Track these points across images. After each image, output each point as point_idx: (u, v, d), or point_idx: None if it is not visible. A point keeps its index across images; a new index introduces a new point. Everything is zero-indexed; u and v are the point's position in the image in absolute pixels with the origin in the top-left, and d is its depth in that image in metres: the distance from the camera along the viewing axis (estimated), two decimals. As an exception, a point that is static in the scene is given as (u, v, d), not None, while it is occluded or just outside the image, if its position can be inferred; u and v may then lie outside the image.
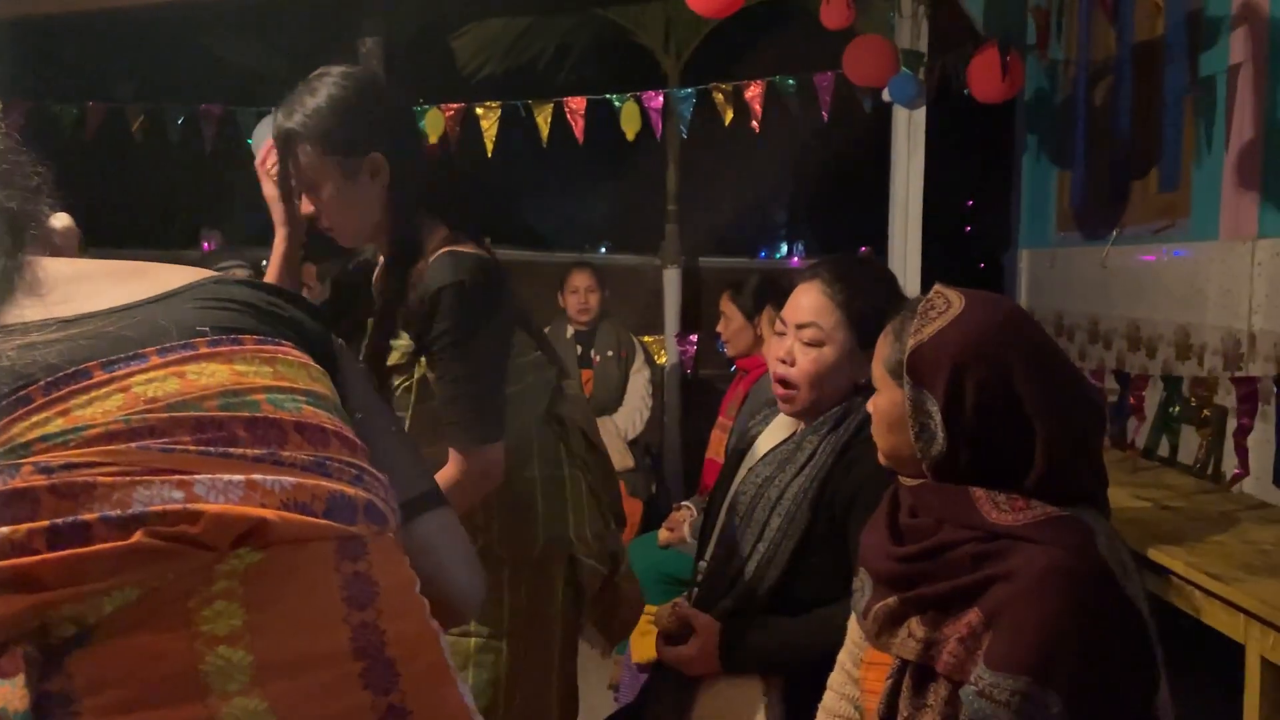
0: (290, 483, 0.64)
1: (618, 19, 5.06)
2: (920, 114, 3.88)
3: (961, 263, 5.96)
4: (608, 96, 4.19)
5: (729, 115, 4.10)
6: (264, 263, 1.79)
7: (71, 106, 4.38)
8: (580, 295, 4.20)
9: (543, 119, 4.17)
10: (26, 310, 0.67)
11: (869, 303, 1.61)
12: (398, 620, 0.65)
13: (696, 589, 1.74)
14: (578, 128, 4.16)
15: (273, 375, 0.70)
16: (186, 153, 4.66)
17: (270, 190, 1.69)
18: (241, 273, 2.26)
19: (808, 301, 1.65)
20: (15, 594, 0.55)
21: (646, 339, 4.60)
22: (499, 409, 1.59)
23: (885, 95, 3.59)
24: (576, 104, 4.15)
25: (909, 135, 3.95)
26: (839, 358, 1.62)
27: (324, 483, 0.66)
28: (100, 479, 0.59)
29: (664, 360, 4.80)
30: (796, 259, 5.52)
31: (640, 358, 4.28)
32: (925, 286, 1.33)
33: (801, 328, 1.65)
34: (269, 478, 0.63)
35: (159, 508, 0.58)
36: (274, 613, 0.61)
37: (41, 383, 0.62)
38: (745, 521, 1.63)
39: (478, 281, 1.56)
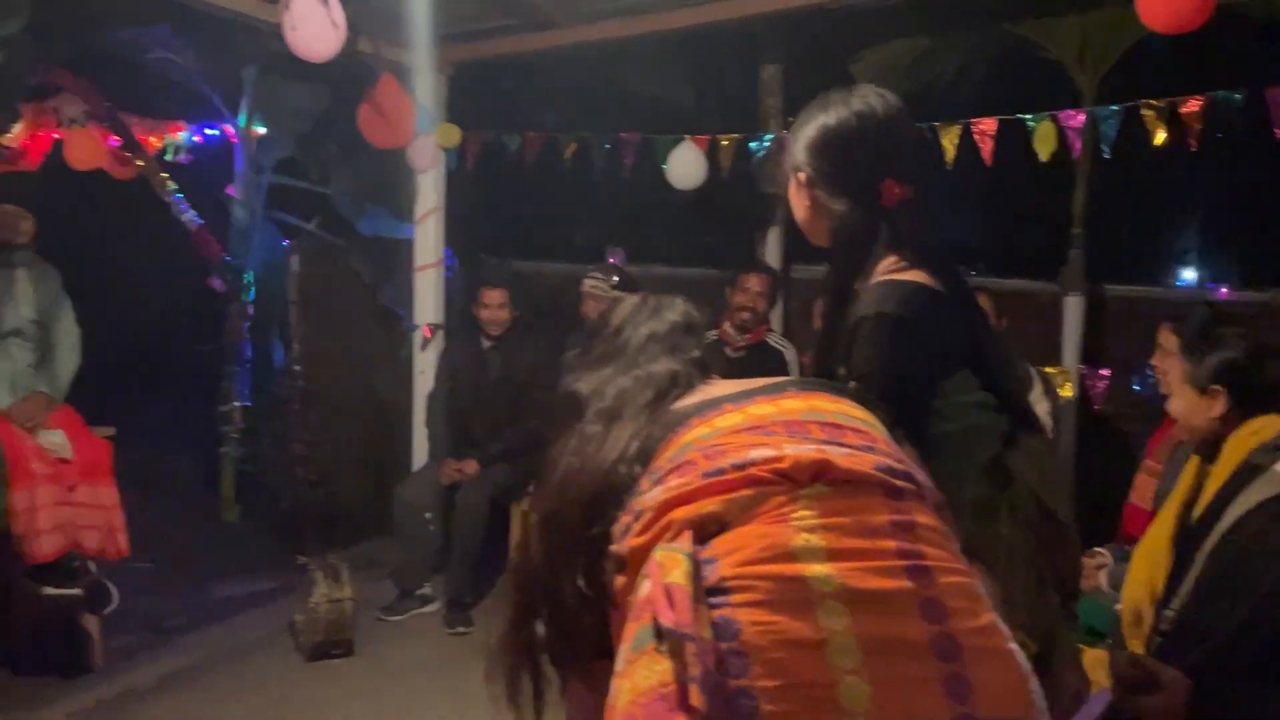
0: (847, 451, 1.03)
1: (1028, 34, 4.86)
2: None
3: None
4: (1020, 116, 4.04)
5: (1159, 134, 3.80)
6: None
7: (516, 135, 4.94)
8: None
9: (949, 141, 4.10)
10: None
11: None
12: (931, 548, 0.98)
13: (1159, 639, 1.65)
14: (986, 149, 4.05)
15: (835, 405, 1.14)
16: (585, 175, 5.11)
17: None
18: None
19: None
20: (685, 506, 1.00)
21: (1049, 369, 4.37)
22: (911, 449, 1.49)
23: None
24: (986, 125, 4.04)
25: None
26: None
27: (872, 457, 1.04)
28: (729, 447, 1.05)
29: (1069, 393, 4.51)
30: (1225, 289, 4.98)
31: (1039, 387, 4.07)
32: None
33: None
34: (833, 447, 1.03)
35: (760, 455, 1.02)
36: (839, 519, 0.96)
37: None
38: (1232, 572, 1.52)
39: (900, 314, 1.50)
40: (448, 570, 4.32)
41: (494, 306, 4.60)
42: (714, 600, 0.92)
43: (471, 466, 4.37)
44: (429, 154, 4.84)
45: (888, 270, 1.58)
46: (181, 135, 5.67)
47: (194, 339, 6.12)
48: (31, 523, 3.37)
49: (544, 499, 1.21)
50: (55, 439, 3.53)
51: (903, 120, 1.62)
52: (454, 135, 4.85)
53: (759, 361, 4.22)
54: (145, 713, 3.43)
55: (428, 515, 4.27)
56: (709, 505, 0.98)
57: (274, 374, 5.85)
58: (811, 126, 1.62)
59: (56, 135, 4.97)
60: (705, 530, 0.97)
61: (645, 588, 0.95)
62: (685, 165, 4.64)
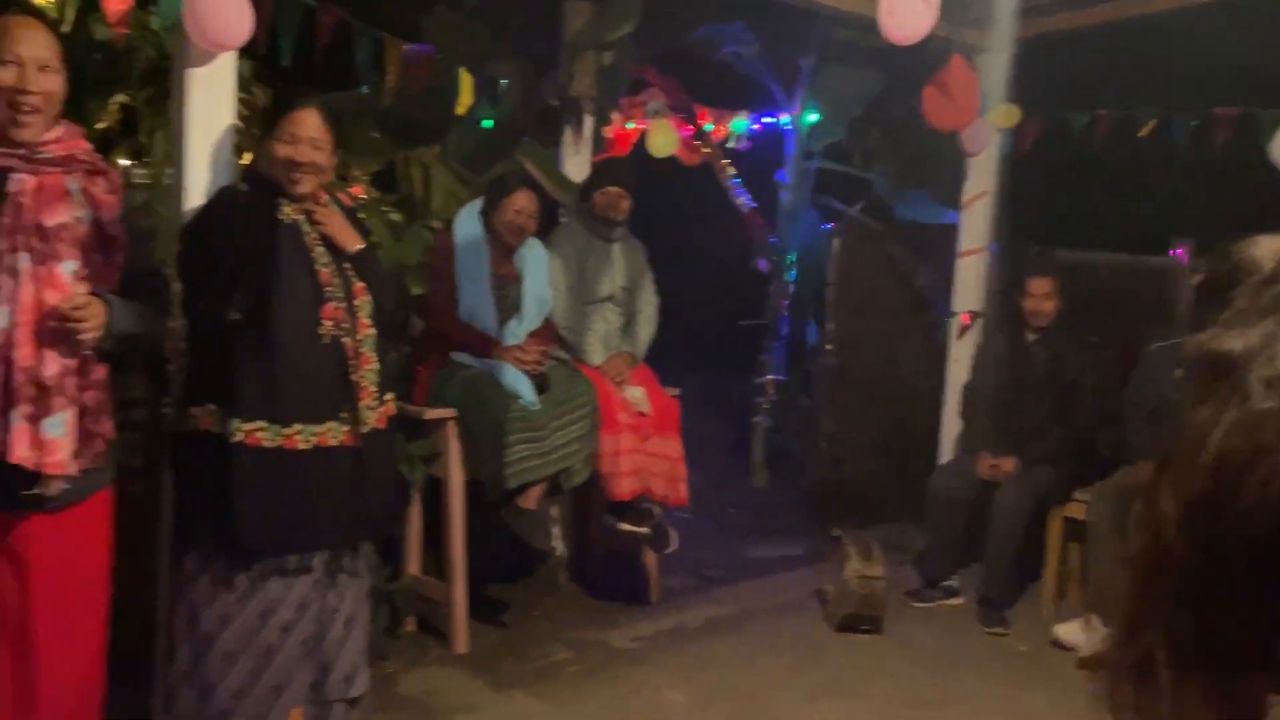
0: None
1: None
2: None
3: None
4: None
5: None
6: None
7: (1082, 115, 4.61)
8: None
9: None
10: None
11: None
12: None
13: None
14: None
15: None
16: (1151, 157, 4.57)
17: None
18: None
19: None
20: None
21: None
22: None
23: None
24: None
25: None
26: None
27: None
28: None
29: None
30: None
31: None
32: None
33: None
34: None
35: None
36: None
37: None
38: None
39: None
40: (982, 567, 4.20)
41: (1039, 296, 4.35)
42: None
43: (1010, 464, 4.19)
44: (983, 136, 4.70)
45: None
46: (741, 124, 6.09)
47: (738, 314, 6.58)
48: (615, 465, 3.84)
49: (1187, 479, 1.06)
50: (636, 394, 3.98)
51: None
52: (1013, 116, 4.65)
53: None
54: (692, 649, 3.77)
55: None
56: None
57: (808, 351, 6.10)
58: None
59: (641, 126, 5.60)
60: None
61: None
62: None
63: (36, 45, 1.98)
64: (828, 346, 5.59)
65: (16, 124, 1.95)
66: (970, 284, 4.95)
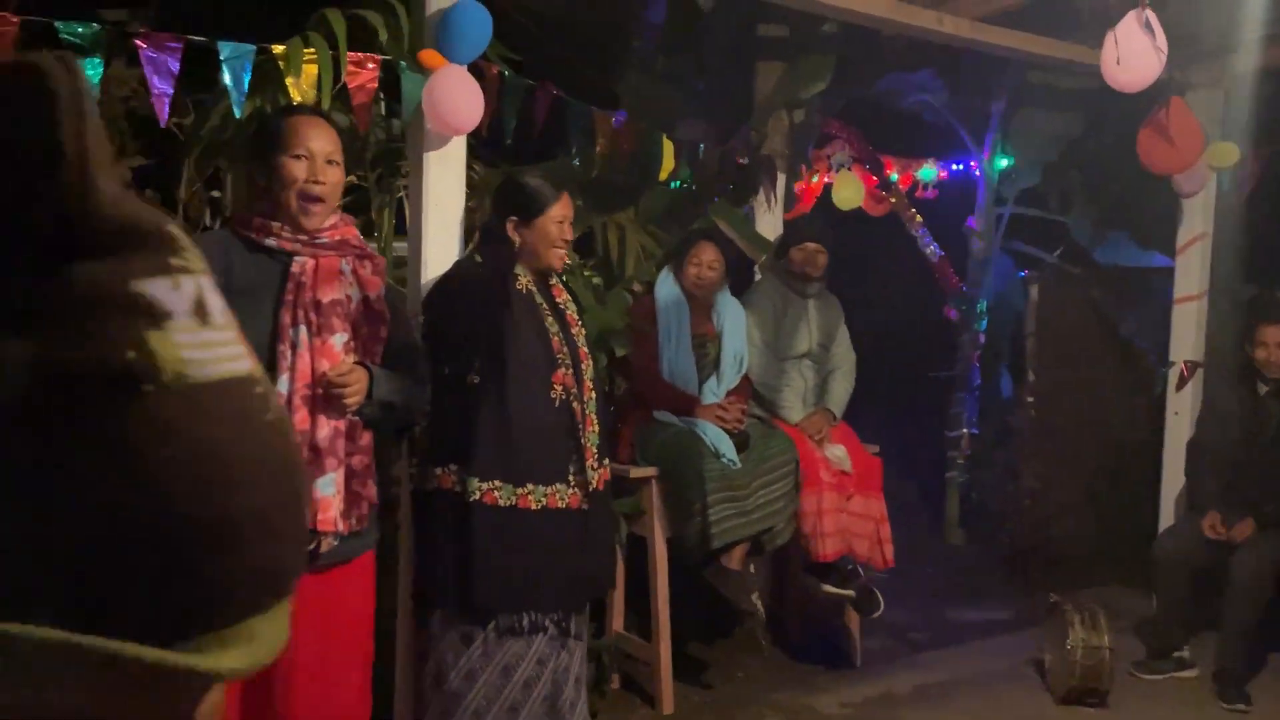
0: None
1: None
2: None
3: None
4: None
5: None
6: None
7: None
8: None
9: None
10: None
11: None
12: None
13: None
14: None
15: None
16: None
17: None
18: None
19: None
20: None
21: None
22: None
23: None
24: None
25: None
26: None
27: None
28: None
29: None
30: None
31: None
32: None
33: None
34: None
35: None
36: None
37: None
38: None
39: None
40: (1216, 637, 3.90)
41: (1273, 345, 4.06)
42: None
43: (1246, 527, 3.89)
44: (1199, 176, 4.44)
45: None
46: (929, 171, 5.98)
47: (927, 365, 6.41)
48: (818, 525, 3.78)
49: None
50: (838, 452, 3.92)
51: None
52: (1231, 155, 4.38)
53: None
54: (904, 718, 3.63)
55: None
56: None
57: (1002, 403, 5.88)
58: None
59: (827, 179, 5.58)
60: None
61: None
62: None
63: (324, 140, 2.15)
64: (1028, 399, 5.36)
65: (306, 213, 2.12)
66: (1188, 332, 4.66)
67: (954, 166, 5.99)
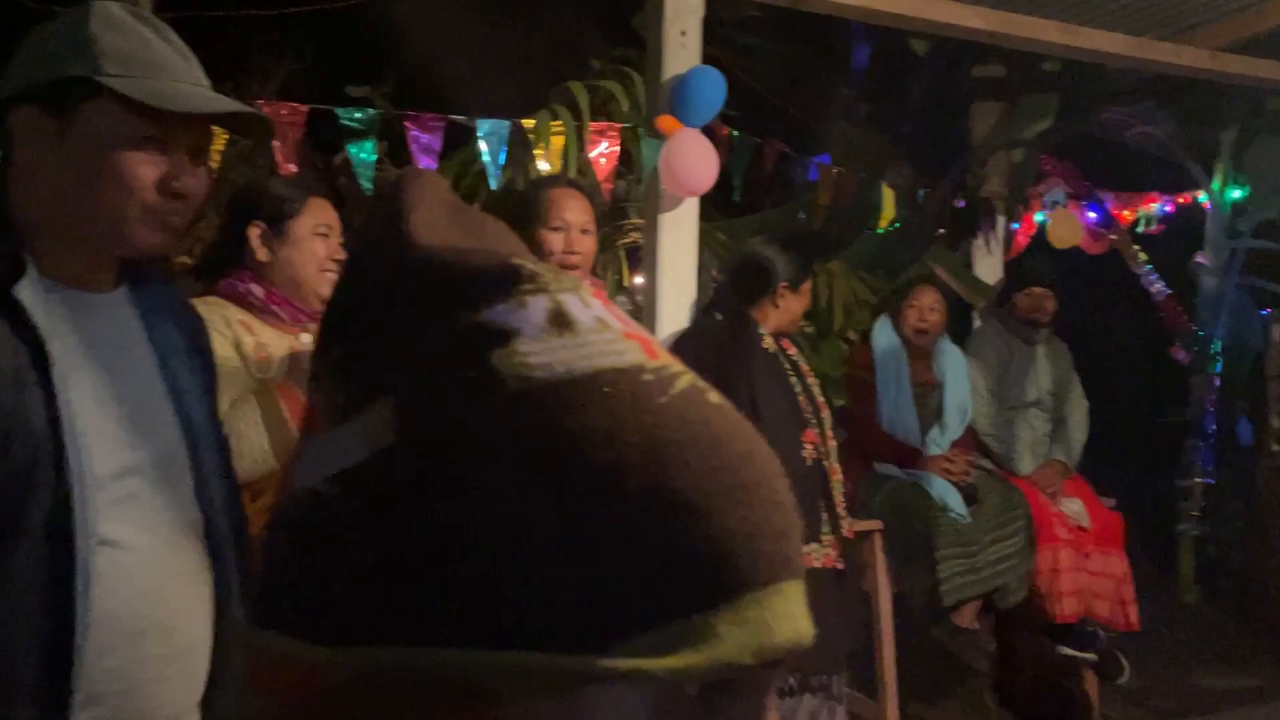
0: None
1: None
2: None
3: None
4: None
5: None
6: None
7: None
8: None
9: None
10: None
11: None
12: None
13: None
14: None
15: None
16: None
17: None
18: None
19: None
20: None
21: None
22: None
23: None
24: None
25: None
26: None
27: None
28: None
29: None
30: None
31: None
32: None
33: None
34: None
35: None
36: None
37: None
38: None
39: None
40: None
41: None
42: None
43: None
44: None
45: None
46: (1154, 206, 5.67)
47: (1153, 409, 6.04)
48: (1054, 584, 3.60)
49: None
50: (1075, 507, 3.73)
51: None
52: None
53: None
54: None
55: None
56: None
57: (1241, 450, 5.46)
58: None
59: (1042, 218, 5.37)
60: None
61: None
62: None
63: (579, 211, 2.24)
64: (1274, 447, 4.96)
65: None
66: None
67: (1180, 200, 5.65)
